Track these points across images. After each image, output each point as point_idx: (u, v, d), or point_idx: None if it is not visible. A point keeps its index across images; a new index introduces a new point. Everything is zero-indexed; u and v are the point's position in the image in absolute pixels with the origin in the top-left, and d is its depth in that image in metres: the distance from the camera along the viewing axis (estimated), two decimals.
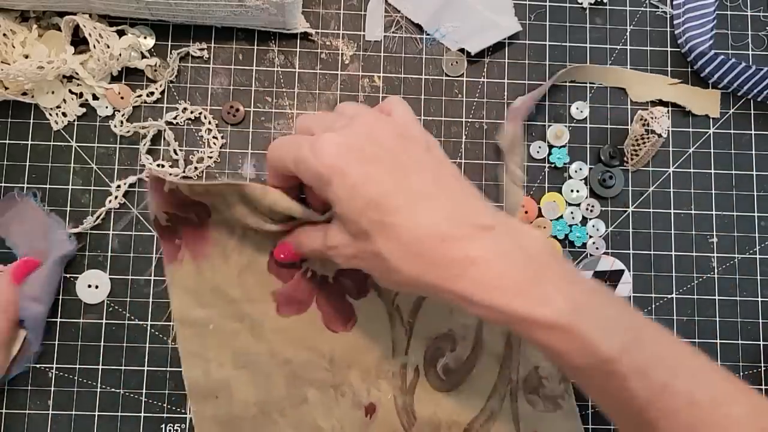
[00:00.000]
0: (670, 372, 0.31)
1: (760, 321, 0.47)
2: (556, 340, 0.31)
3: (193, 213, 0.40)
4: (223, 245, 0.41)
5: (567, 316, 0.31)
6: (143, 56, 0.46)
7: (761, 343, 0.46)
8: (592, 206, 0.47)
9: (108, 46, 0.43)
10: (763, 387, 0.46)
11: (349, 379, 0.42)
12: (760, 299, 0.47)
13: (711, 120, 0.48)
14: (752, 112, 0.48)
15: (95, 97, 0.45)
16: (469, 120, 0.47)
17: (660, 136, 0.45)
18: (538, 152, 0.47)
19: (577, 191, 0.47)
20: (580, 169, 0.47)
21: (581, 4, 0.49)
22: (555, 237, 0.46)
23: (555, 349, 0.31)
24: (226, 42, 0.47)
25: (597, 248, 0.47)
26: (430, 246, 0.32)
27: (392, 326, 0.43)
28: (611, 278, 0.46)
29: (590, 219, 0.47)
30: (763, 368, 0.46)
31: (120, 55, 0.44)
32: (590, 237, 0.47)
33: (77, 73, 0.44)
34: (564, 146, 0.47)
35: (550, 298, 0.31)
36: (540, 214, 0.47)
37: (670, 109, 0.48)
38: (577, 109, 0.48)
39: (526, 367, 0.43)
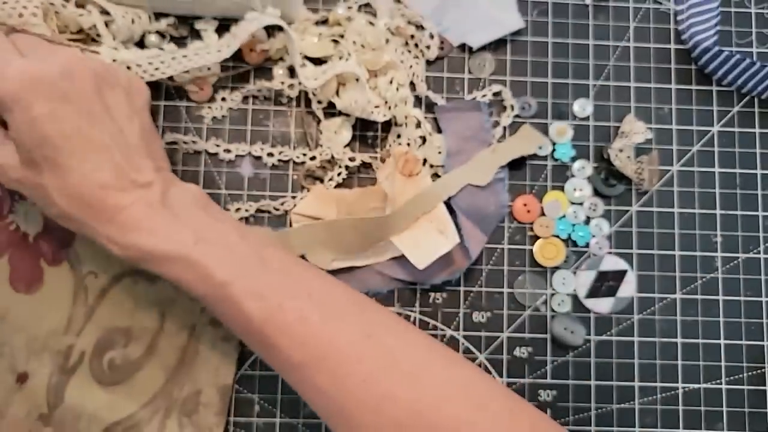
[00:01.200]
0: (287, 294, 0.35)
1: (764, 321, 0.46)
2: (179, 270, 0.35)
3: None
4: None
5: (188, 248, 0.35)
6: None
7: (765, 343, 0.46)
8: (595, 205, 0.46)
9: (126, 13, 0.43)
10: (767, 388, 0.46)
11: (13, 341, 0.42)
12: (764, 299, 0.46)
13: (715, 118, 0.48)
14: (756, 110, 0.48)
15: None
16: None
17: (652, 151, 0.45)
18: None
19: (580, 190, 0.46)
20: (583, 167, 0.46)
21: (584, 0, 0.48)
22: (558, 236, 0.46)
23: (180, 279, 0.35)
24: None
25: (600, 248, 0.46)
26: (90, 192, 0.35)
27: (74, 303, 0.43)
28: (614, 278, 0.46)
29: (593, 218, 0.46)
30: (767, 369, 0.46)
31: (140, 18, 0.43)
32: (593, 236, 0.46)
33: (99, 35, 0.42)
34: (568, 142, 0.47)
35: (176, 235, 0.35)
36: (542, 213, 0.46)
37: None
38: (580, 106, 0.47)
39: (191, 388, 0.43)
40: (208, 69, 0.45)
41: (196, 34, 0.45)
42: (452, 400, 0.34)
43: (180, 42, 0.45)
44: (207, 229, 0.36)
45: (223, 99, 0.46)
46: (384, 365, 0.34)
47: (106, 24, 0.43)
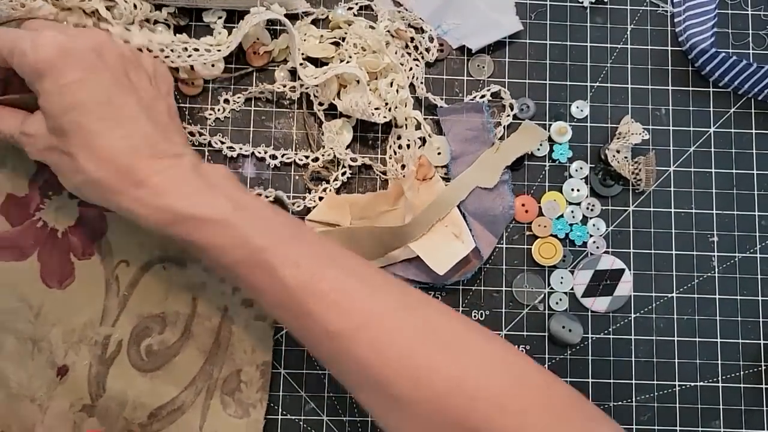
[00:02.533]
0: (323, 264, 0.35)
1: (761, 320, 0.47)
2: (214, 234, 0.35)
3: None
4: None
5: (226, 213, 0.35)
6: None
7: (762, 342, 0.46)
8: (593, 205, 0.47)
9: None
10: (764, 386, 0.46)
11: (50, 336, 0.43)
12: (760, 298, 0.47)
13: (712, 119, 0.48)
14: (753, 111, 0.48)
15: None
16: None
17: (649, 152, 0.46)
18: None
19: (578, 190, 0.47)
20: (581, 168, 0.47)
21: (582, 2, 0.49)
22: (555, 236, 0.46)
23: (214, 244, 0.35)
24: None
25: (597, 247, 0.47)
26: (121, 155, 0.35)
27: (107, 294, 0.43)
28: (611, 277, 0.46)
29: (591, 218, 0.47)
30: (763, 367, 0.46)
31: (142, 4, 0.44)
32: (591, 236, 0.47)
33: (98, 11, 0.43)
34: (566, 142, 0.47)
35: (214, 200, 0.35)
36: (540, 213, 0.47)
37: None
38: (578, 108, 0.48)
39: (230, 367, 0.44)
40: (212, 65, 0.45)
41: (198, 23, 0.46)
42: (492, 373, 0.33)
43: (181, 31, 0.46)
44: (243, 199, 0.36)
45: (226, 101, 0.46)
46: (424, 336, 0.34)
47: (108, 9, 0.43)
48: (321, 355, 0.36)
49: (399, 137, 0.46)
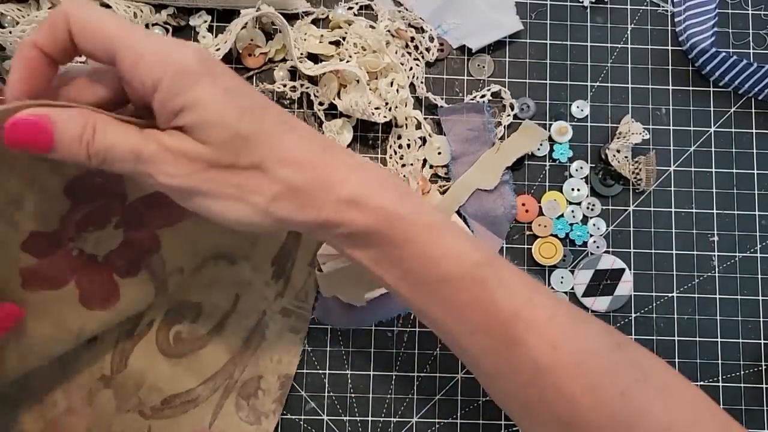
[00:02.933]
0: (535, 289, 0.32)
1: (761, 319, 0.47)
2: (426, 242, 0.31)
3: None
4: None
5: (436, 220, 0.31)
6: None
7: (762, 341, 0.46)
8: (593, 205, 0.47)
9: (129, 7, 0.44)
10: (764, 386, 0.46)
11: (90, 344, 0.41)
12: (761, 298, 0.47)
13: (712, 118, 0.48)
14: (753, 110, 0.48)
15: None
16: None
17: (649, 152, 0.46)
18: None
19: (578, 190, 0.47)
20: (581, 167, 0.47)
21: (582, 2, 0.49)
22: (556, 235, 0.46)
23: (423, 251, 0.31)
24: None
25: (598, 247, 0.47)
26: (314, 155, 0.30)
27: (156, 298, 0.41)
28: (612, 277, 0.46)
29: (591, 218, 0.47)
30: (764, 367, 0.46)
31: (142, 11, 0.44)
32: (591, 236, 0.47)
33: None
34: (567, 142, 0.47)
35: (422, 206, 0.31)
36: (541, 213, 0.47)
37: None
38: (578, 107, 0.48)
39: (252, 372, 0.43)
40: None
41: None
42: (702, 421, 0.31)
43: (180, 31, 0.46)
44: (432, 212, 0.32)
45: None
46: (636, 378, 0.31)
47: None
48: (516, 388, 0.32)
49: (399, 137, 0.46)
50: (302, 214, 0.30)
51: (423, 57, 0.47)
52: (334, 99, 0.45)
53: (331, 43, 0.46)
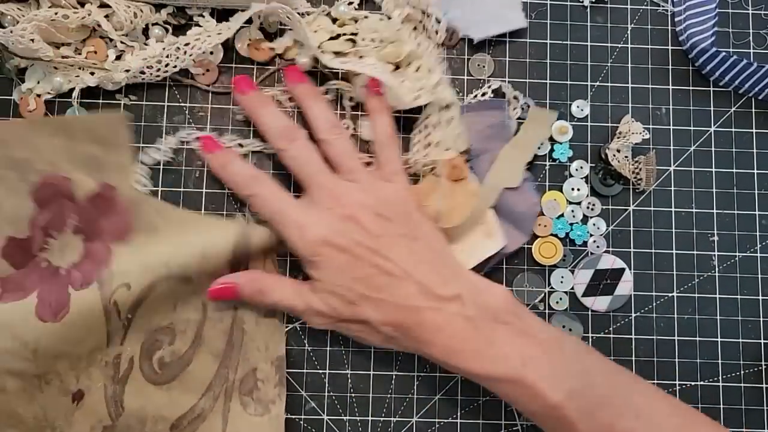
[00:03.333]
0: (616, 412, 0.37)
1: (761, 319, 0.47)
2: (510, 390, 0.37)
3: None
4: None
5: (517, 370, 0.37)
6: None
7: (762, 341, 0.46)
8: (593, 204, 0.47)
9: (128, 7, 0.44)
10: (764, 386, 0.46)
11: (56, 368, 0.42)
12: (761, 297, 0.47)
13: (712, 118, 0.48)
14: (753, 110, 0.48)
15: None
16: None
17: (649, 152, 0.46)
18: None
19: (578, 189, 0.47)
20: (581, 167, 0.47)
21: (582, 2, 0.49)
22: (556, 235, 0.46)
23: (511, 398, 0.38)
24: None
25: (598, 247, 0.46)
26: (406, 317, 0.39)
27: (108, 320, 0.42)
28: (612, 277, 0.46)
29: (591, 217, 0.47)
30: (764, 366, 0.46)
31: (142, 11, 0.44)
32: (591, 235, 0.47)
33: (100, 25, 0.43)
34: (567, 142, 0.47)
35: (503, 356, 0.37)
36: (541, 213, 0.47)
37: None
38: (578, 107, 0.48)
39: (245, 367, 0.44)
40: (211, 53, 0.46)
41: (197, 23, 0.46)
42: None
43: (181, 29, 0.46)
44: (528, 346, 0.38)
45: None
46: None
47: (106, 17, 0.44)
48: None
49: (428, 116, 0.46)
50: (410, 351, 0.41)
51: (431, 38, 0.47)
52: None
53: (346, 40, 0.46)
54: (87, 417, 0.42)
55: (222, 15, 0.46)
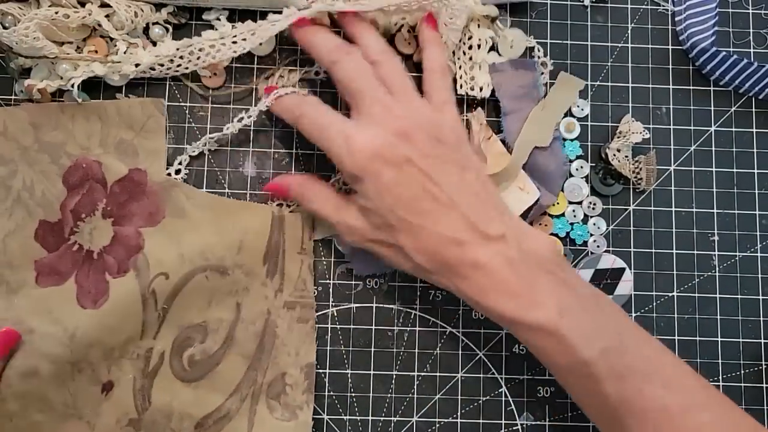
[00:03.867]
0: (646, 378, 0.35)
1: (761, 319, 0.47)
2: (540, 340, 0.36)
3: None
4: None
5: (553, 319, 0.35)
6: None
7: (762, 341, 0.46)
8: (594, 204, 0.47)
9: (129, 6, 0.44)
10: (764, 385, 0.46)
11: (90, 356, 0.42)
12: (761, 297, 0.47)
13: (712, 118, 0.48)
14: (754, 109, 0.48)
15: None
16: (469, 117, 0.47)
17: (649, 151, 0.46)
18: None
19: (579, 189, 0.47)
20: (582, 166, 0.47)
21: (582, 1, 0.49)
22: (556, 235, 0.46)
23: (539, 348, 0.36)
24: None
25: (598, 246, 0.46)
26: (445, 249, 0.36)
27: (144, 309, 0.42)
28: (612, 276, 0.46)
29: (591, 217, 0.47)
30: (764, 366, 0.46)
31: (142, 11, 0.44)
32: (591, 235, 0.47)
33: (101, 25, 0.43)
34: (575, 139, 0.47)
35: (541, 303, 0.35)
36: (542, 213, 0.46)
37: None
38: (578, 107, 0.48)
39: (275, 371, 0.43)
40: (223, 54, 0.46)
41: (198, 22, 0.46)
42: None
43: (180, 29, 0.46)
44: (567, 298, 0.36)
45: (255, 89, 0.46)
46: None
47: (107, 17, 0.44)
48: None
49: (470, 37, 0.46)
50: (440, 285, 0.39)
51: None
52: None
53: None
54: (114, 408, 0.42)
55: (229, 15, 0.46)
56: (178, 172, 0.45)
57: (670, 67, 0.49)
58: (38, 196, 0.43)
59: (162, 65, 0.44)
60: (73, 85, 0.43)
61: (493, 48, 0.47)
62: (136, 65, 0.43)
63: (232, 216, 0.44)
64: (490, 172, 0.44)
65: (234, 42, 0.43)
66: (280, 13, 0.44)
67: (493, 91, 0.46)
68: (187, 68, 0.44)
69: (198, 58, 0.44)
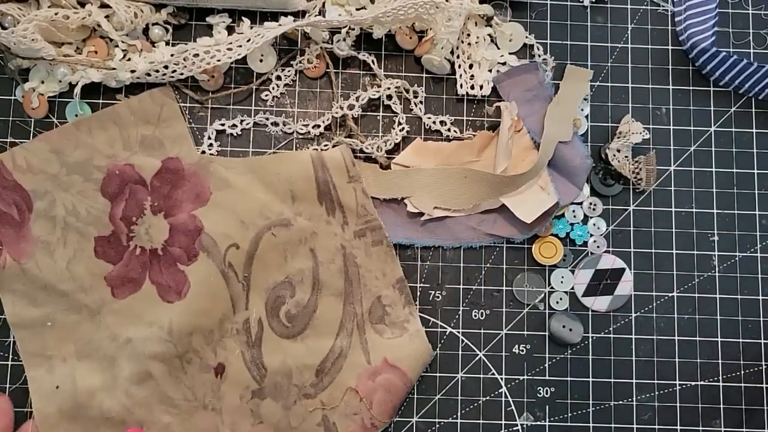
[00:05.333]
0: None
1: (761, 319, 0.47)
2: None
3: (14, 206, 0.42)
4: (45, 241, 0.43)
5: None
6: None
7: (762, 341, 0.46)
8: (594, 204, 0.47)
9: (129, 7, 0.44)
10: (764, 385, 0.46)
11: (193, 345, 0.43)
12: (761, 297, 0.47)
13: (712, 118, 0.48)
14: (753, 110, 0.48)
15: None
16: (470, 118, 0.47)
17: (649, 151, 0.46)
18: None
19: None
20: None
21: (582, 2, 0.49)
22: (556, 235, 0.46)
23: None
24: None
25: (598, 246, 0.46)
26: None
27: (228, 284, 0.43)
28: (612, 277, 0.46)
29: (592, 217, 0.47)
30: (764, 366, 0.46)
31: (142, 11, 0.44)
32: (591, 235, 0.47)
33: (100, 25, 0.44)
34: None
35: None
36: None
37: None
38: (579, 107, 0.47)
39: (369, 298, 0.45)
40: (218, 60, 0.46)
41: (198, 23, 0.46)
42: None
43: (180, 30, 0.46)
44: None
45: (279, 77, 0.47)
46: None
47: (107, 17, 0.44)
48: None
49: (468, 34, 0.46)
50: None
51: None
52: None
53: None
54: (233, 387, 0.43)
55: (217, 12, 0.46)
56: (210, 146, 0.45)
57: (670, 67, 0.49)
58: (84, 215, 0.43)
59: (157, 71, 0.44)
60: (74, 95, 0.44)
61: (492, 42, 0.47)
62: (132, 71, 0.43)
63: (273, 171, 0.44)
64: (517, 168, 0.44)
65: (229, 48, 0.44)
66: (276, 19, 0.44)
67: (497, 92, 0.47)
68: (182, 74, 0.44)
69: (193, 64, 0.44)
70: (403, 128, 0.46)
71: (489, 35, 0.47)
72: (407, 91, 0.47)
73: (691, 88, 0.48)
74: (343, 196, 0.44)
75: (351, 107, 0.45)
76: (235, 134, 0.46)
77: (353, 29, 0.46)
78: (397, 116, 0.46)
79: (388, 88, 0.46)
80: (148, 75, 0.44)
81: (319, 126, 0.46)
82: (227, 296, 0.43)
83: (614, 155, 0.46)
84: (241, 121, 0.46)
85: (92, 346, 0.43)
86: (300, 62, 0.46)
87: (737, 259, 0.47)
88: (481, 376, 0.46)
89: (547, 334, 0.46)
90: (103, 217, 0.43)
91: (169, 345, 0.42)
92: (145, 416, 0.42)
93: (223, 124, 0.46)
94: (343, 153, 0.45)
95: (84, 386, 0.42)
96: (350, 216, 0.45)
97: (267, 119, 0.46)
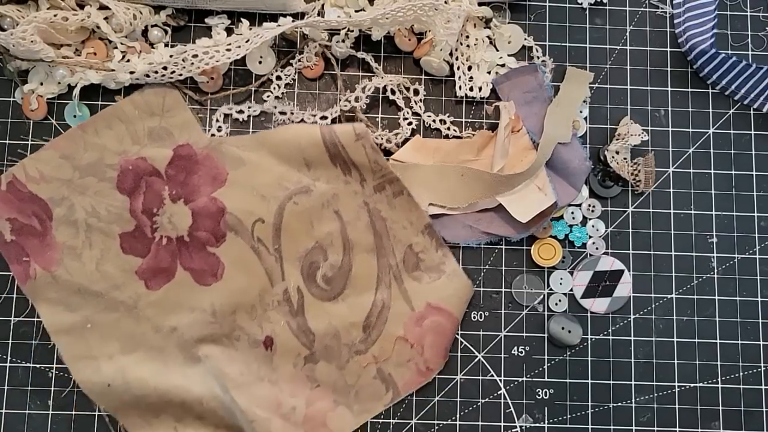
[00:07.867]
0: None
1: (760, 321, 0.47)
2: None
3: (34, 217, 0.43)
4: (71, 246, 0.43)
5: None
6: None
7: (761, 343, 0.46)
8: (593, 206, 0.47)
9: (128, 9, 0.44)
10: (763, 387, 0.46)
11: (238, 323, 0.44)
12: (759, 299, 0.47)
13: (711, 120, 0.48)
14: (752, 112, 0.48)
15: None
16: (469, 120, 0.47)
17: (648, 153, 0.46)
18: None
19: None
20: None
21: (581, 4, 0.49)
22: (555, 237, 0.46)
23: None
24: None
25: (597, 248, 0.47)
26: None
27: (260, 259, 0.44)
28: (611, 278, 0.46)
29: (590, 219, 0.47)
30: (763, 368, 0.46)
31: (141, 13, 0.44)
32: (590, 237, 0.47)
33: (99, 27, 0.44)
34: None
35: None
36: None
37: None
38: (578, 109, 0.48)
39: (401, 248, 0.45)
40: (217, 60, 0.46)
41: (197, 24, 0.47)
42: None
43: (179, 31, 0.46)
44: None
45: (279, 78, 0.47)
46: None
47: (106, 19, 0.44)
48: None
49: (467, 36, 0.46)
50: None
51: None
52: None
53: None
54: (285, 357, 0.44)
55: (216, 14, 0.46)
56: (219, 129, 0.46)
57: (669, 69, 0.49)
58: (105, 215, 0.44)
59: (156, 72, 0.44)
60: (73, 97, 0.44)
61: (491, 44, 0.47)
62: (131, 72, 0.43)
63: (282, 141, 0.44)
64: (514, 168, 0.44)
65: (228, 49, 0.44)
66: (275, 21, 0.44)
67: (496, 94, 0.47)
68: (181, 75, 0.44)
69: (192, 65, 0.44)
70: (411, 122, 0.46)
71: (488, 37, 0.47)
72: (407, 89, 0.47)
73: (689, 89, 0.48)
74: (353, 154, 0.44)
75: (357, 99, 0.45)
76: (241, 119, 0.46)
77: (352, 31, 0.46)
78: (401, 111, 0.47)
79: (391, 81, 0.46)
80: (147, 76, 0.44)
81: (326, 117, 0.46)
82: (262, 271, 0.44)
83: (613, 157, 0.46)
84: (249, 107, 0.46)
85: (136, 340, 0.43)
86: (299, 61, 0.46)
87: (736, 260, 0.47)
88: (480, 377, 0.46)
89: (546, 335, 0.46)
90: (124, 214, 0.44)
91: (215, 326, 0.43)
92: (204, 392, 0.43)
93: (230, 108, 0.46)
94: (343, 117, 0.45)
95: (135, 378, 0.42)
96: (366, 173, 0.45)
97: (275, 107, 0.46)
